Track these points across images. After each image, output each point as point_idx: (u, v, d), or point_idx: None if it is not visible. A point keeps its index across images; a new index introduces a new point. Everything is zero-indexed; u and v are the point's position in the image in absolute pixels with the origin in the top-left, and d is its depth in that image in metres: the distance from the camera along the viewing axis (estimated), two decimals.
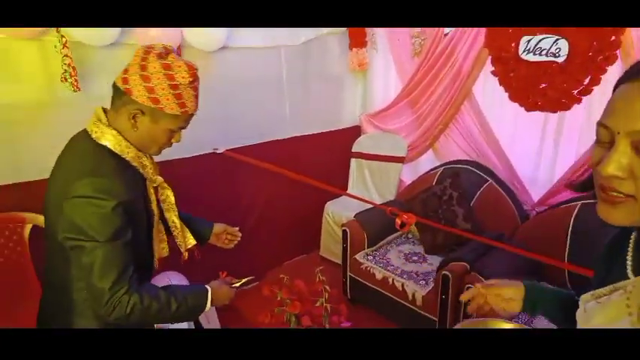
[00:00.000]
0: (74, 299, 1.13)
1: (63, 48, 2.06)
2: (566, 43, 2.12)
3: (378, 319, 2.60)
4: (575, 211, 2.22)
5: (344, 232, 2.68)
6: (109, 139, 1.11)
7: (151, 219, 1.24)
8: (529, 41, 2.26)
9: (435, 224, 2.26)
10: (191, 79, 1.11)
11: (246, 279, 1.50)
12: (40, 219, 2.17)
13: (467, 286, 2.05)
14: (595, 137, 0.64)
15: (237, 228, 1.62)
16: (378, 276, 2.49)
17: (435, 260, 2.55)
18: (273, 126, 3.06)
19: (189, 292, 1.24)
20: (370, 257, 2.63)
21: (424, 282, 2.37)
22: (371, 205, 2.88)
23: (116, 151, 1.12)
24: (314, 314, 1.57)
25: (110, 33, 2.19)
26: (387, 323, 2.56)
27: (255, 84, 2.85)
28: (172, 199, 1.32)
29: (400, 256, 2.64)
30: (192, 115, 1.18)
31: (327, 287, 1.55)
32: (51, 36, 2.07)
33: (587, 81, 2.13)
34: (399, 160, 3.13)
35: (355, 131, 3.55)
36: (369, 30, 3.19)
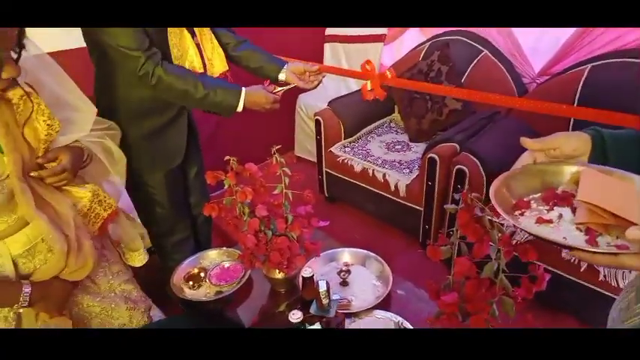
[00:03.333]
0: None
1: None
2: None
3: (359, 215, 2.38)
4: (584, 75, 1.89)
5: (317, 121, 2.34)
6: None
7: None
8: None
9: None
10: None
11: (288, 86, 1.47)
12: None
13: (456, 167, 1.77)
14: None
15: (317, 66, 1.51)
16: (357, 168, 2.21)
17: (420, 148, 2.26)
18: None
19: (222, 84, 1.33)
20: (348, 149, 2.33)
21: (408, 170, 2.10)
22: (347, 92, 2.54)
23: None
24: (272, 204, 1.29)
25: None
26: (368, 219, 2.34)
27: None
28: None
29: (382, 146, 2.34)
30: None
31: (287, 169, 1.25)
32: None
33: None
34: (379, 38, 2.70)
35: None
36: None
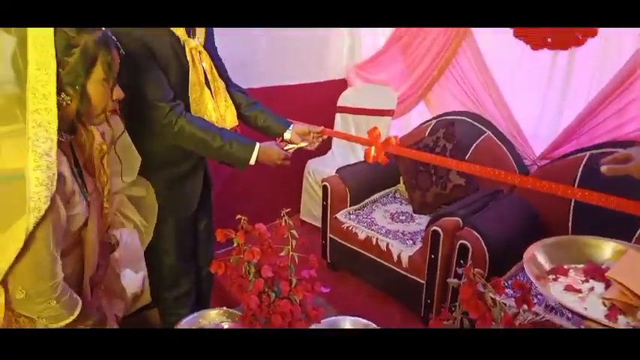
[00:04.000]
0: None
1: None
2: None
3: (361, 284, 2.36)
4: (583, 161, 1.97)
5: (324, 187, 2.41)
6: None
7: (185, 75, 1.35)
8: None
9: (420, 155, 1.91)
10: None
11: (300, 145, 1.51)
12: None
13: (460, 241, 1.79)
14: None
15: (321, 128, 1.57)
16: (361, 236, 2.23)
17: (424, 220, 2.29)
18: (248, 74, 2.74)
19: (238, 138, 1.38)
20: (353, 216, 2.37)
21: (411, 242, 2.12)
22: (354, 161, 2.63)
23: None
24: (277, 265, 1.30)
25: None
26: (370, 289, 2.32)
27: None
28: (210, 66, 1.42)
29: (386, 216, 2.38)
30: None
31: (295, 232, 1.28)
32: None
33: None
34: (388, 113, 2.84)
35: (341, 84, 3.23)
36: None
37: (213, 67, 1.44)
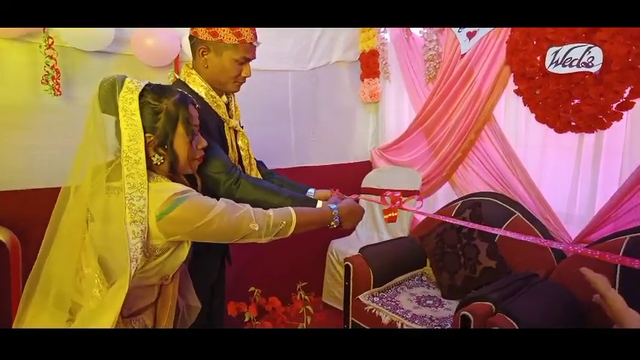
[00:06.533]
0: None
1: (47, 49, 1.94)
2: (600, 51, 1.88)
3: None
4: (623, 245, 1.84)
5: (346, 267, 2.32)
6: (188, 78, 1.37)
7: (226, 150, 1.40)
8: (557, 52, 2.02)
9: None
10: None
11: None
12: (3, 233, 1.92)
13: (492, 328, 1.64)
14: None
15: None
16: (385, 320, 2.08)
17: (453, 306, 2.14)
18: (277, 154, 2.84)
19: (294, 195, 1.36)
20: (376, 298, 2.24)
21: (439, 328, 1.95)
22: (378, 240, 2.56)
23: (192, 88, 1.35)
24: None
25: (102, 38, 2.07)
26: None
27: (259, 107, 2.67)
28: (246, 145, 1.50)
29: (412, 299, 2.24)
30: (252, 45, 1.34)
31: (310, 309, 1.21)
32: (39, 39, 1.95)
33: (627, 92, 1.85)
34: (413, 193, 2.82)
35: (366, 166, 3.28)
36: (381, 60, 3.05)
37: (249, 146, 1.52)
